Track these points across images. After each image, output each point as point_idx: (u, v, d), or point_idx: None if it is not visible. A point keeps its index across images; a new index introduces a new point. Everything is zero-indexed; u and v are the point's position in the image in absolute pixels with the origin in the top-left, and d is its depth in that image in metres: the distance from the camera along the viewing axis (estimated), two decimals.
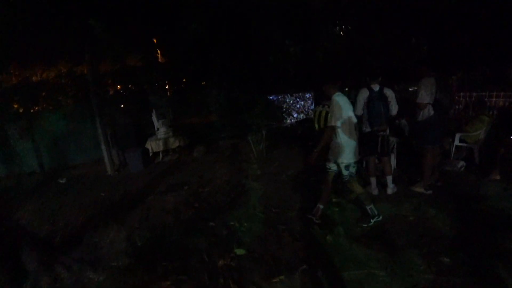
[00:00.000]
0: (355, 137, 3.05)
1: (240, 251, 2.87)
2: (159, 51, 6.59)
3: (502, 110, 5.50)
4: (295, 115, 6.39)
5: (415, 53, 4.89)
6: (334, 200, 3.88)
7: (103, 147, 6.68)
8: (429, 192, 3.91)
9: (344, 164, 3.03)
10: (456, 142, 5.00)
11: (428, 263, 2.52)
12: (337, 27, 5.25)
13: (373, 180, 3.96)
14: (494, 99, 6.52)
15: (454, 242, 2.80)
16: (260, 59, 5.26)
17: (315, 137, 4.55)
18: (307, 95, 7.58)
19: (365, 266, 2.51)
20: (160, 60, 6.92)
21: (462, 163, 4.81)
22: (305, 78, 6.28)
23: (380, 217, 3.24)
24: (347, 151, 2.99)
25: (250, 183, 4.93)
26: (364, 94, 3.69)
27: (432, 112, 3.63)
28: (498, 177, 4.19)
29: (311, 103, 10.66)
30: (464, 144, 4.95)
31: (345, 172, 3.07)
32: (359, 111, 3.75)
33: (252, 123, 5.76)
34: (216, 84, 6.56)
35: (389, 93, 3.67)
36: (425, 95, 3.55)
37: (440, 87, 3.56)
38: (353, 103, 3.50)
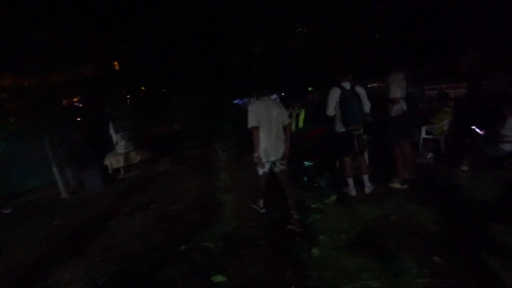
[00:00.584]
0: (273, 136, 3.10)
1: (218, 278, 2.49)
2: (115, 60, 5.99)
3: (460, 102, 5.74)
4: None
5: (379, 49, 4.91)
6: (312, 206, 3.68)
7: (54, 168, 5.92)
8: (405, 186, 3.88)
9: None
10: (423, 135, 5.11)
11: (421, 265, 2.37)
12: (300, 25, 5.11)
13: (350, 181, 3.82)
14: (450, 91, 6.90)
15: (442, 239, 2.71)
16: (225, 62, 4.96)
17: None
18: (273, 97, 7.46)
19: (358, 278, 2.29)
20: (117, 68, 6.29)
21: (430, 154, 4.92)
22: (271, 80, 6.10)
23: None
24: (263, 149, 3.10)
25: (222, 196, 4.57)
26: (335, 93, 3.53)
27: (405, 107, 3.60)
28: (466, 168, 4.30)
29: None
30: (430, 136, 5.08)
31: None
32: (332, 111, 3.60)
33: (221, 130, 5.42)
34: (180, 91, 6.12)
35: (361, 90, 3.56)
36: (396, 89, 3.51)
37: (410, 81, 3.54)
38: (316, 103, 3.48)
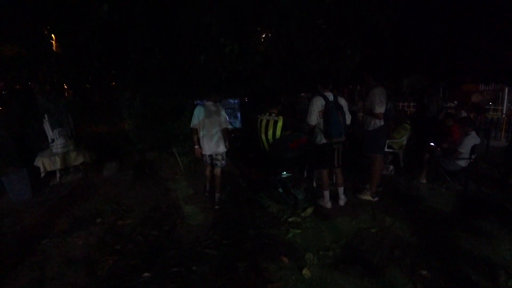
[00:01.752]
0: (213, 136, 3.81)
1: None
2: (54, 38, 4.91)
3: (414, 119, 6.24)
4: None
5: (348, 63, 5.00)
6: (290, 219, 3.46)
7: None
8: (376, 199, 3.94)
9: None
10: (385, 148, 5.37)
11: (413, 280, 2.32)
12: (272, 30, 4.93)
13: (326, 193, 3.72)
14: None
15: (421, 250, 2.77)
16: (189, 58, 4.48)
17: (257, 148, 4.09)
18: (233, 101, 6.89)
19: None
20: (55, 50, 5.21)
21: (391, 167, 5.19)
22: (237, 83, 5.77)
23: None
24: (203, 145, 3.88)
25: (184, 208, 4.05)
26: (318, 103, 3.38)
27: (382, 122, 3.65)
28: (425, 180, 4.60)
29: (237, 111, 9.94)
30: (391, 150, 5.35)
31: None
32: (314, 121, 3.44)
33: (178, 133, 4.87)
34: (130, 86, 5.37)
35: (343, 102, 3.50)
36: (381, 105, 3.55)
37: (388, 97, 3.61)
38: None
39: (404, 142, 5.28)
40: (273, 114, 3.84)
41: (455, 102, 11.77)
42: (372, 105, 3.59)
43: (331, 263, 2.58)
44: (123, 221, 3.73)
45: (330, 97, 3.39)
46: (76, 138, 5.91)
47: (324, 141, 3.45)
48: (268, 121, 3.84)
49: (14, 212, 4.31)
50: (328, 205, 3.72)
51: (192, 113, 3.97)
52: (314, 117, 3.42)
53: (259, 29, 4.48)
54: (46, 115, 5.56)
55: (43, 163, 5.39)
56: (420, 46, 8.38)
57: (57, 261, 2.86)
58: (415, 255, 2.69)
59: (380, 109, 3.55)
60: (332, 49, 4.92)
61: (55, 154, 5.52)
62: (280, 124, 3.76)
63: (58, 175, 5.68)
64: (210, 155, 3.93)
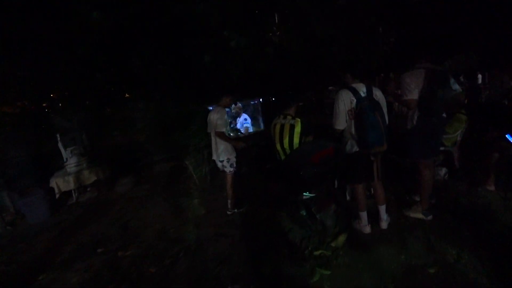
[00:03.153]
0: (213, 140, 3.71)
1: None
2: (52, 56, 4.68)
3: (469, 107, 5.02)
4: (241, 129, 4.96)
5: (381, 45, 4.08)
6: (315, 253, 2.69)
7: None
8: (430, 217, 3.03)
9: None
10: (436, 151, 4.32)
11: None
12: (287, 17, 4.15)
13: (363, 214, 2.88)
14: None
15: None
16: (193, 59, 3.91)
17: (274, 157, 3.34)
18: (253, 103, 6.19)
19: None
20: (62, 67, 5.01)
21: (445, 170, 4.15)
22: (254, 82, 5.10)
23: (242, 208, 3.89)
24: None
25: (192, 233, 3.50)
26: (347, 99, 2.56)
27: (416, 115, 2.78)
28: (493, 187, 3.55)
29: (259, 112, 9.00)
30: (442, 148, 4.31)
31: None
32: (341, 124, 2.64)
33: (189, 144, 4.34)
34: (143, 96, 4.99)
35: (379, 95, 2.64)
36: (412, 89, 2.72)
37: (436, 81, 2.69)
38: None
39: (459, 138, 4.19)
40: (289, 117, 3.02)
41: None
42: (403, 92, 2.78)
43: None
44: (124, 252, 3.32)
45: (362, 90, 2.56)
46: (90, 155, 5.68)
47: (356, 148, 2.64)
48: (283, 126, 3.03)
49: (29, 235, 4.22)
50: (367, 229, 2.89)
51: (205, 120, 3.50)
52: (342, 119, 2.61)
53: (268, 16, 3.74)
54: (58, 135, 5.40)
55: (57, 183, 5.24)
56: (472, 20, 6.90)
57: None
58: None
59: (410, 94, 2.71)
60: (359, 30, 4.03)
61: (69, 173, 5.34)
62: (298, 129, 2.93)
63: (75, 194, 5.53)
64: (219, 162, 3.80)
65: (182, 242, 3.33)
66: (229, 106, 3.88)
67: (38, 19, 3.77)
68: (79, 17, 3.47)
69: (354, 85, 2.59)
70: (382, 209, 2.91)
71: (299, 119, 2.96)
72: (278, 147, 3.04)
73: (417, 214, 3.07)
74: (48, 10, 3.65)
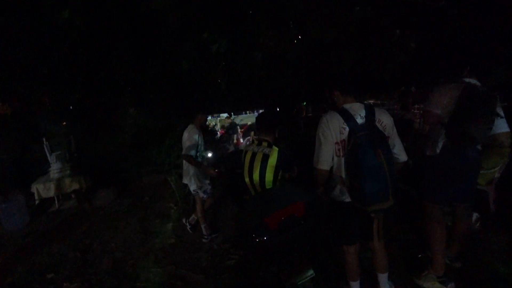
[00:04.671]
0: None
1: None
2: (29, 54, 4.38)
3: None
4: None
5: (398, 52, 3.27)
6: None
7: None
8: (451, 286, 2.21)
9: None
10: (468, 196, 3.39)
11: None
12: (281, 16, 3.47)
13: (355, 285, 2.09)
14: None
15: None
16: (171, 65, 3.37)
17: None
18: (245, 115, 5.34)
19: None
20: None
21: (476, 215, 3.24)
22: (248, 92, 4.44)
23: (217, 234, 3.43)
24: None
25: (148, 269, 2.96)
26: (334, 126, 1.78)
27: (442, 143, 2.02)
28: None
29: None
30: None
31: None
32: (326, 163, 1.83)
33: (162, 162, 3.82)
34: (130, 103, 4.59)
35: (386, 120, 1.84)
36: (438, 102, 2.09)
37: (477, 103, 1.94)
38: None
39: (497, 175, 3.25)
40: (264, 143, 2.28)
41: None
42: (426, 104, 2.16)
43: None
44: (69, 285, 2.88)
45: (360, 113, 1.78)
46: (75, 161, 5.37)
47: (348, 198, 1.87)
48: (254, 155, 2.29)
49: (2, 243, 4.07)
50: None
51: (174, 137, 2.95)
52: (327, 156, 1.82)
53: (256, 15, 3.10)
54: (44, 139, 5.15)
55: (38, 189, 4.99)
56: None
57: None
58: None
59: (435, 107, 2.09)
60: (370, 33, 3.27)
61: (51, 180, 5.07)
62: (272, 161, 2.18)
63: (57, 201, 5.26)
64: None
65: (132, 282, 2.79)
66: (203, 125, 3.33)
67: (10, 20, 3.42)
68: (50, 17, 3.08)
69: (347, 106, 1.84)
70: (383, 278, 2.10)
71: (276, 148, 2.22)
72: (247, 181, 2.31)
73: (431, 284, 2.26)
74: (18, 11, 3.28)
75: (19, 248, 3.85)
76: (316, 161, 1.86)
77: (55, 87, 4.26)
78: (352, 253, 2.01)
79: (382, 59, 3.42)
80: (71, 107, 4.94)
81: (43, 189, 5.01)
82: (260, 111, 5.03)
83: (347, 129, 1.75)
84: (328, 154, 1.82)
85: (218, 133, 6.91)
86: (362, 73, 3.44)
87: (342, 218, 1.97)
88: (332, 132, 1.78)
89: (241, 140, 7.98)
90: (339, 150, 1.80)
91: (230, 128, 7.57)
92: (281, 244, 1.80)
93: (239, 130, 7.66)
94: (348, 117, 1.77)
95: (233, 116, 6.39)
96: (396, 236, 3.03)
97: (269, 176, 2.19)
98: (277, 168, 2.19)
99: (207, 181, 3.30)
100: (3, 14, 3.43)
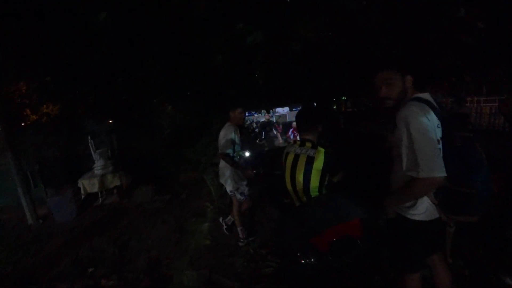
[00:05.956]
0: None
1: None
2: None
3: None
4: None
5: (457, 35, 2.78)
6: None
7: (19, 189, 4.86)
8: None
9: None
10: None
11: None
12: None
13: None
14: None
15: None
16: (203, 60, 3.25)
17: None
18: (281, 110, 4.79)
19: None
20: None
21: None
22: (287, 86, 4.18)
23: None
24: None
25: (182, 271, 2.88)
26: (433, 123, 1.37)
27: None
28: None
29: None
30: None
31: None
32: (441, 168, 1.32)
33: (199, 161, 3.73)
34: (167, 102, 4.62)
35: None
36: None
37: None
38: None
39: None
40: (308, 144, 1.99)
41: None
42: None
43: None
44: (107, 281, 2.92)
45: (435, 105, 1.44)
46: (117, 159, 5.59)
47: (435, 216, 1.51)
48: (297, 157, 2.01)
49: (52, 233, 4.38)
50: None
51: (209, 136, 2.86)
52: (439, 158, 1.34)
53: (292, 3, 2.83)
54: (89, 137, 5.44)
55: (84, 185, 5.27)
56: None
57: None
58: None
59: None
60: (428, 12, 2.82)
61: (95, 176, 5.33)
62: (318, 164, 1.89)
63: (101, 196, 5.53)
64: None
65: (166, 284, 2.73)
66: (240, 122, 3.14)
67: (49, 25, 3.55)
68: (87, 21, 3.14)
69: (426, 96, 1.46)
70: None
71: (322, 149, 1.91)
72: (289, 187, 2.03)
73: None
74: (55, 16, 3.40)
75: (66, 240, 4.06)
76: (430, 167, 1.31)
77: (98, 87, 4.41)
78: (415, 280, 1.64)
79: (440, 43, 2.94)
80: (112, 107, 5.13)
81: (88, 185, 5.28)
82: (297, 107, 4.71)
83: (439, 123, 1.40)
84: (440, 154, 1.36)
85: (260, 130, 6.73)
86: (415, 61, 3.00)
87: (410, 239, 1.58)
88: (433, 128, 1.37)
89: (280, 139, 7.71)
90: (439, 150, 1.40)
91: (268, 125, 7.34)
92: (332, 270, 1.53)
93: (278, 126, 7.40)
94: (436, 109, 1.41)
95: (271, 113, 6.16)
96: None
97: (314, 181, 1.90)
98: (323, 172, 1.90)
99: (244, 182, 3.13)
100: (48, 22, 3.55)
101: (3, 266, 3.44)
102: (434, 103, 1.43)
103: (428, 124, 1.33)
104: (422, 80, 1.32)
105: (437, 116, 1.38)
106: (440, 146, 1.38)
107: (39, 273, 3.19)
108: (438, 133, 1.38)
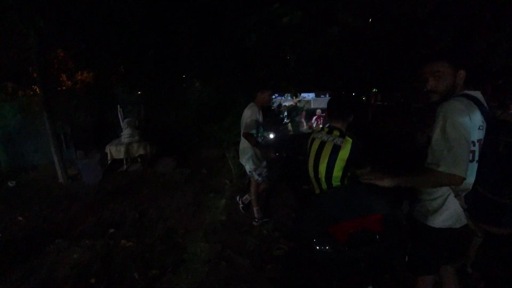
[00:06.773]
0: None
1: None
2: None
3: None
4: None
5: None
6: None
7: (52, 149, 5.19)
8: None
9: None
10: None
11: None
12: None
13: None
14: None
15: None
16: (235, 38, 3.20)
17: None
18: (307, 96, 4.69)
19: None
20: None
21: None
22: (318, 71, 4.05)
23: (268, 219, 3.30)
24: None
25: (196, 243, 2.99)
26: (475, 121, 1.27)
27: None
28: None
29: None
30: None
31: None
32: (465, 170, 1.22)
33: (222, 139, 3.77)
34: (197, 77, 4.66)
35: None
36: None
37: None
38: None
39: None
40: (336, 132, 1.92)
41: None
42: None
43: None
44: (126, 242, 3.07)
45: (485, 104, 1.33)
46: (144, 129, 5.78)
47: (462, 223, 1.43)
48: (323, 144, 1.95)
49: (79, 193, 4.65)
50: None
51: (235, 115, 2.87)
52: (468, 160, 1.24)
53: None
54: (119, 106, 5.64)
55: (111, 151, 5.53)
56: None
57: (42, 274, 2.57)
58: None
59: None
60: (480, 5, 2.59)
61: (122, 143, 5.57)
62: (344, 154, 1.83)
63: (126, 163, 5.79)
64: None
65: (180, 253, 2.85)
66: (266, 104, 3.11)
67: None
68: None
69: (474, 93, 1.35)
70: None
71: (350, 139, 1.84)
72: (311, 173, 2.00)
73: None
74: None
75: (91, 201, 4.32)
76: (453, 164, 1.22)
77: (129, 59, 4.51)
78: (428, 283, 1.60)
79: (493, 40, 2.69)
80: (143, 79, 5.27)
81: (115, 151, 5.54)
82: (324, 95, 4.60)
83: (484, 124, 1.29)
84: (467, 157, 1.25)
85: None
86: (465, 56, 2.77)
87: (431, 244, 1.51)
88: (472, 128, 1.27)
89: (305, 124, 7.62)
90: (473, 152, 1.29)
91: (294, 110, 7.24)
92: (348, 262, 1.51)
93: (302, 113, 7.32)
94: (484, 109, 1.30)
95: (299, 97, 6.06)
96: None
97: (337, 171, 1.85)
98: (348, 163, 1.83)
99: (263, 164, 3.15)
100: None
101: (35, 219, 3.73)
102: (484, 103, 1.32)
103: (467, 123, 1.23)
104: (476, 77, 1.20)
105: (483, 117, 1.28)
106: (476, 148, 1.27)
107: (66, 228, 3.43)
108: (479, 134, 1.28)
